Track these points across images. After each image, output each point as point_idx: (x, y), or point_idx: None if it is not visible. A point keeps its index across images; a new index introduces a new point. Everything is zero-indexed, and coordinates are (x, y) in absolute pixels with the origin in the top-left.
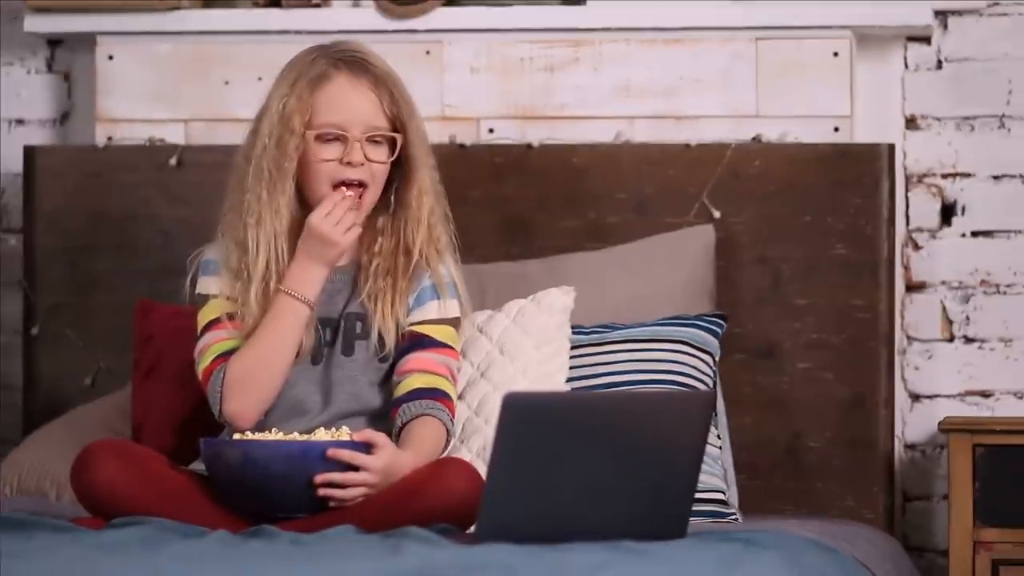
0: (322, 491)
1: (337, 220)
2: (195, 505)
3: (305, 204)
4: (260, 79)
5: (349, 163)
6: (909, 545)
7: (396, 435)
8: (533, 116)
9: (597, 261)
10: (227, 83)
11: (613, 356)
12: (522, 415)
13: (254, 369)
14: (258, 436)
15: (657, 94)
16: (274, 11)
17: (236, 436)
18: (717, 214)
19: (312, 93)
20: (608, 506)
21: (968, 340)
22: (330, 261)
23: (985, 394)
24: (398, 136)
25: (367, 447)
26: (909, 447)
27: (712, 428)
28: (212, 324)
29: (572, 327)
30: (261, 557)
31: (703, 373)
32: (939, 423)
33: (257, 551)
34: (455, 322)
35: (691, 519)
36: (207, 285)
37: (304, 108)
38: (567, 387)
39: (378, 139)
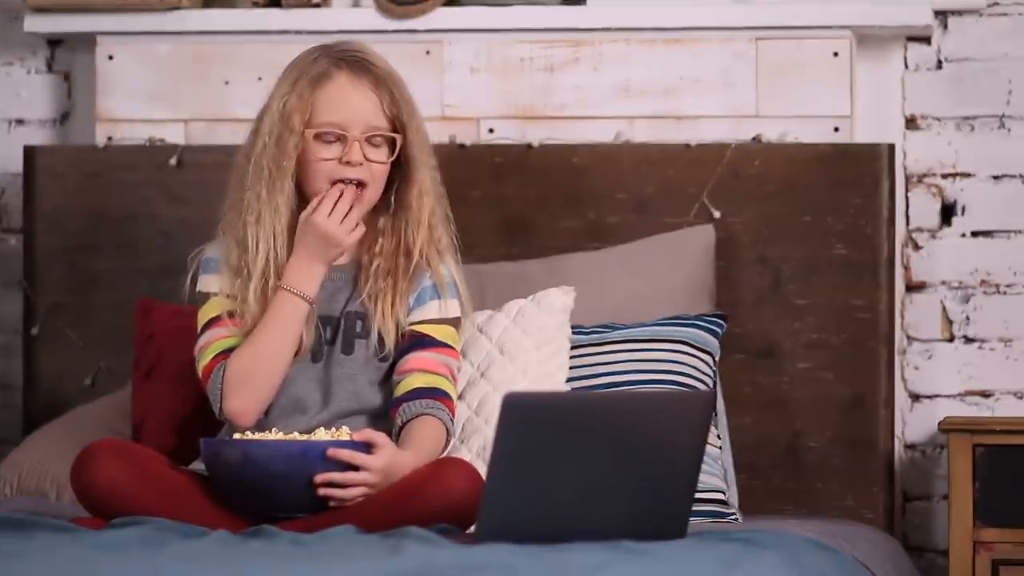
0: (322, 491)
1: (341, 219)
2: (195, 505)
3: (305, 203)
4: (260, 79)
5: (348, 163)
6: (909, 545)
7: (396, 434)
8: (533, 116)
9: (597, 261)
10: (227, 83)
11: (613, 356)
12: (522, 415)
13: (254, 366)
14: (258, 436)
15: (657, 94)
16: (274, 11)
17: (236, 436)
18: (717, 214)
19: (313, 92)
20: (608, 506)
21: (968, 340)
22: (331, 259)
23: (985, 394)
24: (397, 137)
25: (367, 447)
26: (909, 447)
27: (712, 428)
28: (212, 322)
29: (572, 327)
30: (261, 557)
31: (703, 373)
32: (939, 423)
33: (257, 551)
34: (455, 322)
35: (691, 519)
36: (207, 283)
37: (304, 107)
38: (567, 387)
39: (377, 139)
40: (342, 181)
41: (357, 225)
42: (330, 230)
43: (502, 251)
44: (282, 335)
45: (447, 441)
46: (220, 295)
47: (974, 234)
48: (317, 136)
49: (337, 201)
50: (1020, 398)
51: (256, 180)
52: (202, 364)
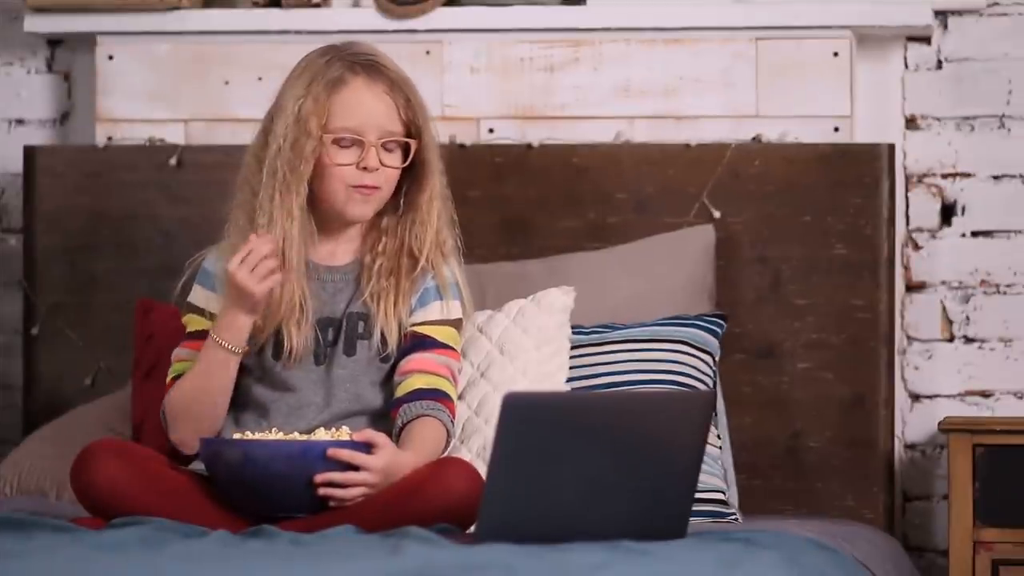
0: (322, 491)
1: (252, 268)
2: (195, 505)
3: (315, 205)
4: (260, 79)
5: (365, 168)
6: (909, 545)
7: (396, 435)
8: (533, 116)
9: (597, 261)
10: (227, 83)
11: (613, 356)
12: (522, 415)
13: (185, 405)
14: (258, 436)
15: (657, 94)
16: (274, 11)
17: (236, 436)
18: (717, 214)
19: (329, 97)
20: (608, 506)
21: (968, 340)
22: (250, 309)
23: (985, 394)
24: (412, 142)
25: (367, 447)
26: (909, 447)
27: (712, 428)
28: (190, 336)
29: (572, 327)
30: (261, 557)
31: (703, 373)
32: (939, 423)
33: (257, 551)
34: (457, 323)
35: (691, 519)
36: (199, 296)
37: (321, 111)
38: (567, 387)
39: (391, 144)
40: (363, 187)
41: (271, 273)
42: (239, 278)
43: (502, 251)
44: (209, 381)
45: (447, 442)
46: (206, 314)
47: (974, 234)
48: (334, 141)
49: (253, 250)
50: (1020, 398)
51: (269, 183)
52: (166, 383)
